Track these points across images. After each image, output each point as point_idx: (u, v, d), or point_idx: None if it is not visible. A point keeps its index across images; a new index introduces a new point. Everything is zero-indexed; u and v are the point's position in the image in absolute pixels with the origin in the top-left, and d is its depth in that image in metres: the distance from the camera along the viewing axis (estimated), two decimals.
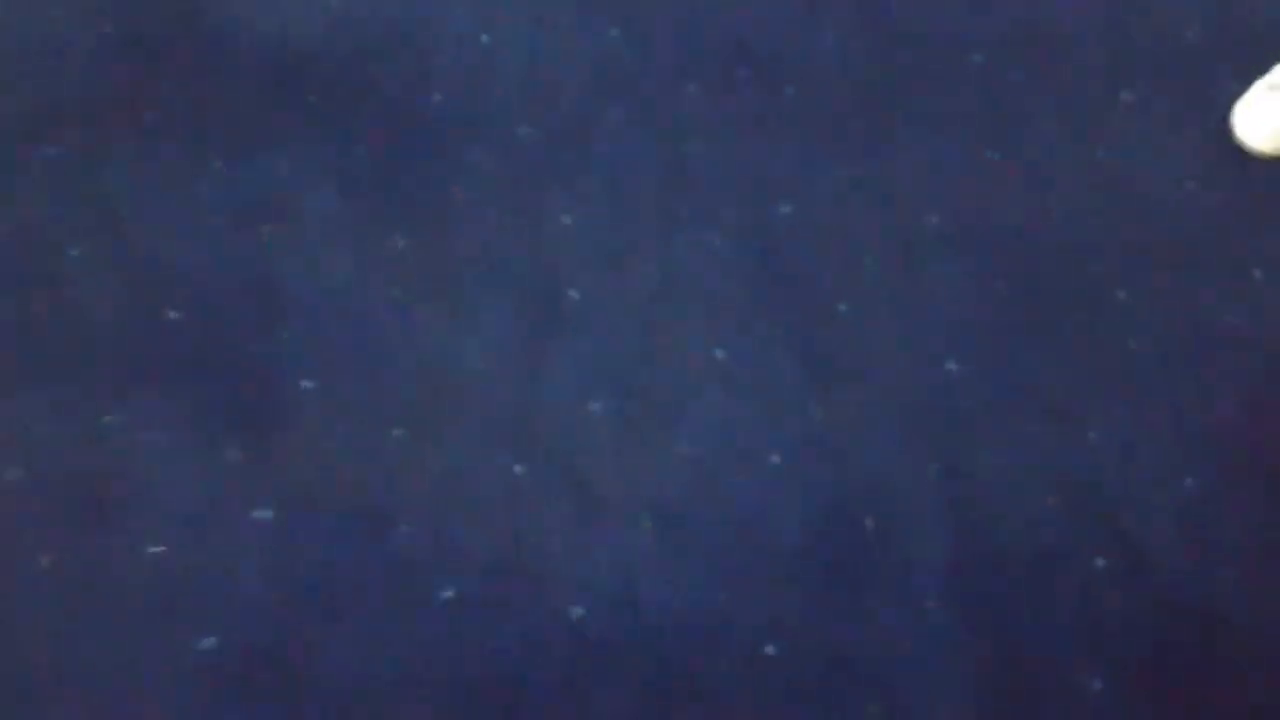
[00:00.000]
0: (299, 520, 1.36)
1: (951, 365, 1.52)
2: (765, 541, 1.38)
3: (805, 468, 1.43)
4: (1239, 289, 1.62)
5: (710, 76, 1.81)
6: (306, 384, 1.47)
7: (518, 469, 1.41)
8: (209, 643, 1.27)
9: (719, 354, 1.52)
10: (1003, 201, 1.69)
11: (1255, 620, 1.36)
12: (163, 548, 1.33)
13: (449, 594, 1.32)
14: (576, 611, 1.31)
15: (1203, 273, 1.64)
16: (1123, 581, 1.37)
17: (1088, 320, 1.58)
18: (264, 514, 1.36)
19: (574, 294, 1.57)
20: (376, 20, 1.86)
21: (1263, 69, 1.77)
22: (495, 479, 1.41)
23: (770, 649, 1.30)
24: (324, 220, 1.63)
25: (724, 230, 1.64)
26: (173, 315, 1.52)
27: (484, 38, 1.84)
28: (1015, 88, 1.83)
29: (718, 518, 1.39)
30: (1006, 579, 1.37)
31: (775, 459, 1.43)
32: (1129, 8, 1.95)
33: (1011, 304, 1.59)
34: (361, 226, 1.62)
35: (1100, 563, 1.38)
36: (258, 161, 1.69)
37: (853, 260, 1.62)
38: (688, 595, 1.33)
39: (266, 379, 1.48)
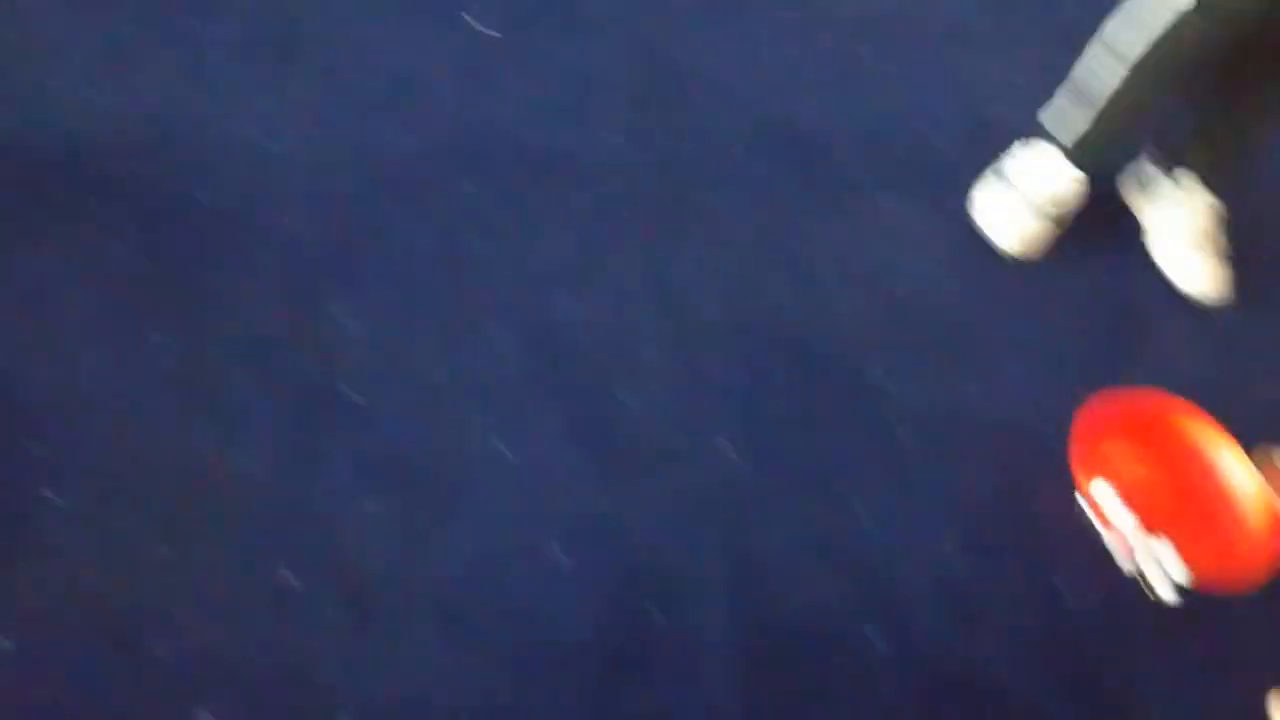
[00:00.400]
0: (42, 647, 1.25)
1: (730, 451, 1.55)
2: (550, 636, 1.35)
3: (589, 558, 1.41)
4: (995, 376, 1.72)
5: (489, 174, 1.83)
6: (54, 497, 1.36)
7: (288, 576, 1.34)
8: None
9: (499, 446, 1.50)
10: (776, 297, 1.76)
11: (1022, 692, 1.41)
12: None
13: (205, 717, 1.22)
14: None
15: (962, 362, 1.74)
16: (897, 658, 1.40)
17: (858, 408, 1.64)
18: (3, 644, 1.24)
19: (350, 392, 1.52)
20: (146, 118, 1.81)
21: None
22: (264, 588, 1.33)
23: None
24: (79, 320, 1.54)
25: (504, 323, 1.63)
26: None
27: (259, 138, 1.81)
28: (786, 192, 1.92)
29: (501, 613, 1.35)
30: (790, 661, 1.38)
31: (558, 550, 1.41)
32: (886, 118, 2.09)
33: (786, 393, 1.64)
34: (121, 326, 1.54)
35: (877, 641, 1.41)
36: (6, 259, 1.59)
37: (633, 350, 1.64)
38: (471, 696, 1.29)
39: (8, 493, 1.36)
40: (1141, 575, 1.46)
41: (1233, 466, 1.51)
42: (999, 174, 1.90)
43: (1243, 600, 1.47)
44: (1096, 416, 1.55)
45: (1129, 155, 1.81)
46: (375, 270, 1.67)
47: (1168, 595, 1.43)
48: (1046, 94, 1.86)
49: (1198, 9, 1.57)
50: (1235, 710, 1.42)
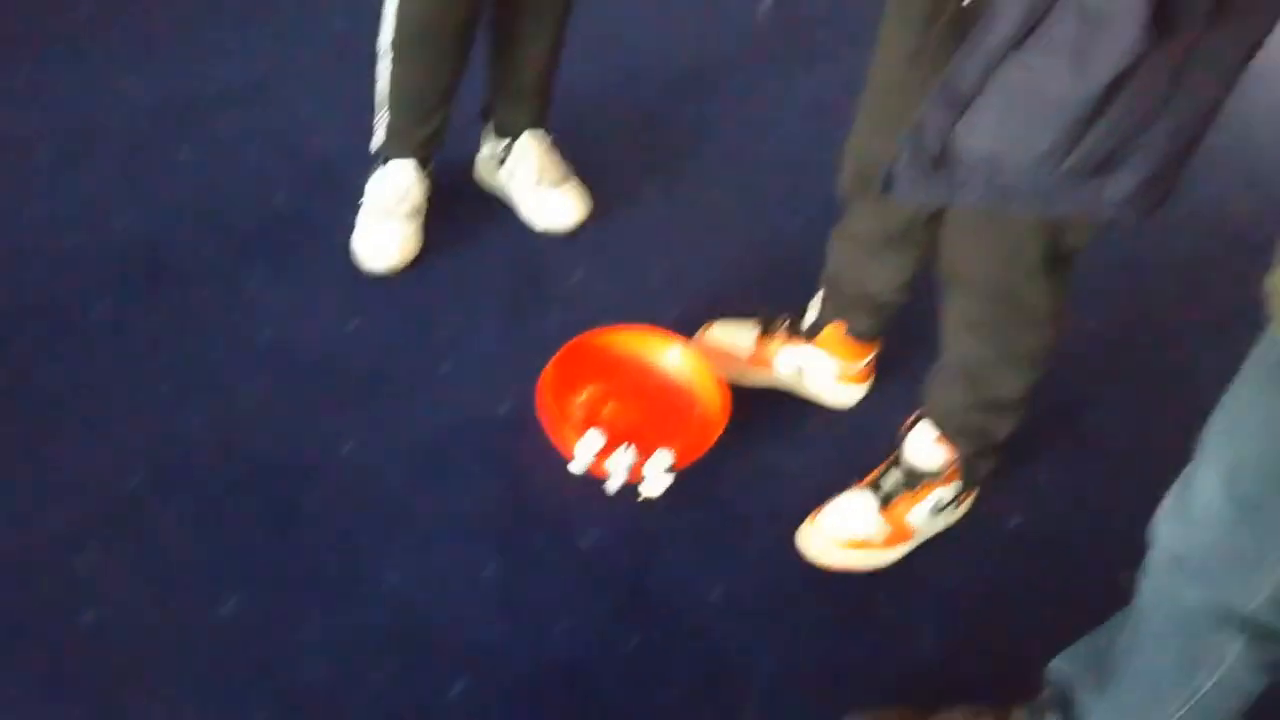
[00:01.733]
0: None
1: (234, 607, 1.42)
2: None
3: None
4: (440, 385, 1.73)
5: None
6: None
7: None
8: None
9: None
10: (194, 422, 1.65)
11: (594, 659, 1.46)
12: None
13: None
14: None
15: (403, 390, 1.73)
16: (479, 697, 1.39)
17: (345, 487, 1.60)
18: None
19: None
20: None
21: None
22: None
23: None
24: None
25: None
26: None
27: None
28: (148, 316, 1.77)
29: None
30: None
31: None
32: (222, 201, 1.96)
33: (261, 504, 1.54)
34: None
35: (463, 688, 1.40)
36: None
37: (134, 518, 1.45)
38: None
39: None
40: (633, 486, 1.57)
41: (676, 361, 1.73)
42: (359, 209, 1.89)
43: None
44: (552, 383, 1.63)
45: (440, 129, 1.87)
46: None
47: (660, 488, 1.56)
48: (359, 118, 1.87)
49: None
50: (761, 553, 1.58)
